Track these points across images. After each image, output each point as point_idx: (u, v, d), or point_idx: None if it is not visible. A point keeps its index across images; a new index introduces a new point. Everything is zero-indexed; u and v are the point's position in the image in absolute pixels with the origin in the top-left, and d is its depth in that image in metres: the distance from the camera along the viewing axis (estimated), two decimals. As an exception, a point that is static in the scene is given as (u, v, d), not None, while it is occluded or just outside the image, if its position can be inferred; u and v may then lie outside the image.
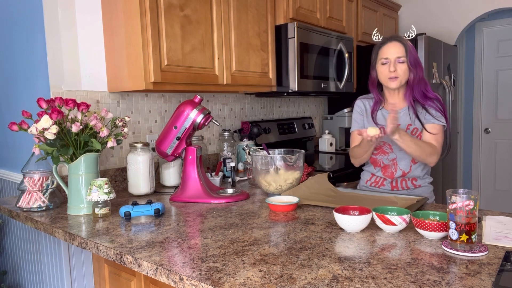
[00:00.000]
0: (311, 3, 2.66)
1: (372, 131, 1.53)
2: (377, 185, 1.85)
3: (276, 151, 1.87)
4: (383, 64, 1.72)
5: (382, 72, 1.73)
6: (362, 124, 1.85)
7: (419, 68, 1.71)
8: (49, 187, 1.61)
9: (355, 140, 1.84)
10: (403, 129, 1.67)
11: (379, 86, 1.83)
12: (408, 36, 1.77)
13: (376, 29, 1.91)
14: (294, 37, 2.41)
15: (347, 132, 3.31)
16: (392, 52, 1.70)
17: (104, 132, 1.55)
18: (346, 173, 2.48)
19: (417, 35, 3.09)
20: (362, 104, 1.88)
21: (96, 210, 1.46)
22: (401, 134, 1.59)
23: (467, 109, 4.44)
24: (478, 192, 1.28)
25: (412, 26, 1.84)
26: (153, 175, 1.83)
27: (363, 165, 1.93)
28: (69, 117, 1.54)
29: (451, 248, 1.04)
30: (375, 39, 1.81)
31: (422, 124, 1.72)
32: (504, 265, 0.94)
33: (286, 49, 2.44)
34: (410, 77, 1.71)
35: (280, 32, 2.45)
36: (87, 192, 1.48)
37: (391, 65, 1.69)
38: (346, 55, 2.81)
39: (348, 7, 3.07)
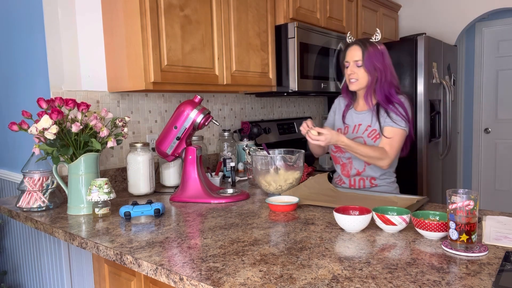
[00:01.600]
0: (311, 3, 2.66)
1: (314, 133, 1.63)
2: (340, 183, 1.92)
3: (276, 151, 1.87)
4: (346, 67, 1.81)
5: (345, 74, 1.83)
6: (332, 121, 1.97)
7: (380, 73, 1.75)
8: (49, 187, 1.61)
9: None
10: (345, 137, 1.67)
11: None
12: (375, 39, 1.82)
13: (350, 32, 1.98)
14: (294, 37, 2.41)
15: (347, 132, 3.30)
16: (351, 55, 1.78)
17: (104, 132, 1.55)
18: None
19: (417, 35, 3.09)
20: (337, 102, 1.99)
21: (96, 210, 1.46)
22: (346, 142, 1.66)
23: (467, 109, 4.44)
24: (478, 192, 1.28)
25: (377, 29, 1.90)
26: (153, 175, 1.83)
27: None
28: (69, 117, 1.54)
29: (451, 248, 1.04)
30: (348, 41, 1.88)
31: (381, 127, 1.77)
32: (504, 265, 0.94)
33: (286, 49, 2.44)
34: (368, 81, 1.77)
35: (280, 32, 2.45)
36: (87, 192, 1.48)
37: (350, 68, 1.78)
38: (346, 55, 2.81)
39: (348, 7, 3.07)
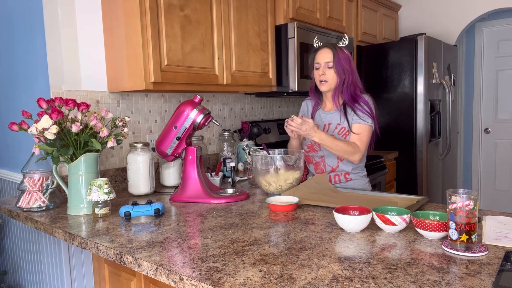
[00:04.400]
0: (311, 3, 2.66)
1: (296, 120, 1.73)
2: None
3: (276, 151, 1.87)
4: (316, 69, 1.89)
5: (315, 76, 1.90)
6: None
7: (348, 75, 1.85)
8: (49, 187, 1.61)
9: None
10: (322, 132, 1.78)
11: (317, 90, 1.97)
12: (342, 44, 1.93)
13: (316, 37, 2.09)
14: (294, 37, 2.41)
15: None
16: (322, 57, 1.86)
17: (104, 132, 1.55)
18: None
19: (417, 35, 3.09)
20: (305, 105, 2.07)
21: (96, 210, 1.46)
22: (322, 136, 1.76)
23: (467, 109, 4.44)
24: (478, 192, 1.28)
25: (345, 34, 2.04)
26: (153, 175, 1.83)
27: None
28: (69, 117, 1.54)
29: (451, 248, 1.04)
30: (315, 45, 1.97)
31: (349, 124, 1.87)
32: (504, 265, 0.94)
33: (286, 49, 2.44)
34: (337, 82, 1.86)
35: (280, 32, 2.45)
36: (87, 192, 1.48)
37: (321, 69, 1.86)
38: (346, 55, 2.81)
39: (348, 7, 3.07)
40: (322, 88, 1.88)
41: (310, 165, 2.00)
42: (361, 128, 1.85)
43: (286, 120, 1.78)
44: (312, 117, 1.99)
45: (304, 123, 1.72)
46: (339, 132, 1.90)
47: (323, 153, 1.92)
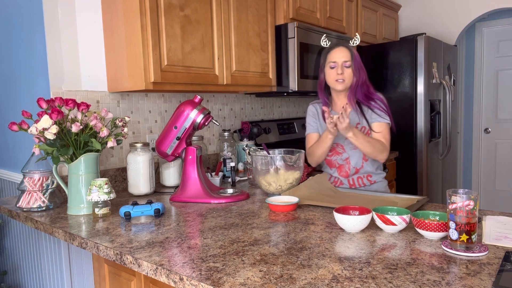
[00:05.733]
0: (311, 3, 2.66)
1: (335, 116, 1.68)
2: (336, 184, 1.94)
3: (276, 151, 1.87)
4: (331, 68, 1.83)
5: (330, 75, 1.84)
6: (316, 126, 1.97)
7: (362, 73, 1.84)
8: (49, 187, 1.61)
9: (310, 141, 1.96)
10: (355, 128, 1.75)
11: (327, 90, 1.93)
12: (353, 43, 1.89)
13: (325, 35, 2.00)
14: (294, 37, 2.41)
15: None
16: (339, 56, 1.82)
17: (104, 132, 1.55)
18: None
19: (417, 35, 3.09)
20: (314, 109, 1.99)
21: (96, 210, 1.46)
22: (355, 131, 1.72)
23: (467, 109, 4.44)
24: (478, 192, 1.28)
25: (357, 34, 1.96)
26: (153, 175, 1.83)
27: (321, 166, 2.03)
28: (69, 117, 1.54)
29: (451, 248, 1.04)
30: (323, 44, 1.92)
31: (368, 123, 1.85)
32: (504, 265, 0.94)
33: (286, 49, 2.44)
34: (353, 81, 1.83)
35: (280, 32, 2.45)
36: (87, 192, 1.48)
37: (339, 68, 1.81)
38: (346, 55, 2.81)
39: (348, 7, 3.07)
40: (339, 87, 1.83)
41: (333, 169, 1.93)
42: (382, 126, 1.84)
43: (331, 117, 1.68)
44: (324, 119, 1.91)
45: (346, 118, 1.65)
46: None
47: (347, 155, 1.88)
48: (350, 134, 1.71)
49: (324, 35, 1.98)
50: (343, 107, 1.67)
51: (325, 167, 1.99)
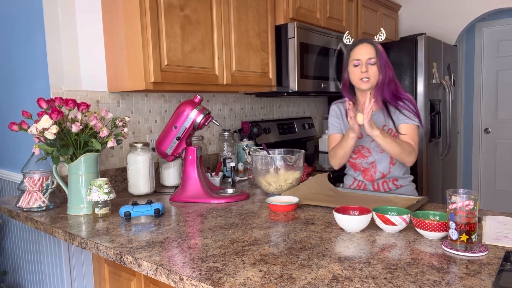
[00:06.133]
0: (311, 3, 2.66)
1: (360, 118, 1.58)
2: (360, 188, 1.85)
3: (276, 151, 1.87)
4: (355, 65, 1.73)
5: (354, 73, 1.73)
6: (340, 127, 1.87)
7: (388, 70, 1.73)
8: (49, 187, 1.61)
9: (333, 142, 1.86)
10: (380, 128, 1.66)
11: (351, 89, 1.83)
12: (378, 39, 1.77)
13: (348, 31, 1.91)
14: (294, 37, 2.40)
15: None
16: (363, 53, 1.71)
17: (104, 132, 1.55)
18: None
19: (417, 35, 3.09)
20: (337, 109, 1.89)
21: (96, 210, 1.46)
22: (381, 130, 1.62)
23: (467, 109, 4.44)
24: (478, 192, 1.28)
25: (382, 29, 1.83)
26: (153, 175, 1.83)
27: (344, 168, 1.94)
28: (69, 117, 1.54)
29: (451, 248, 1.04)
30: (346, 41, 1.81)
31: (395, 125, 1.74)
32: (504, 265, 0.94)
33: (286, 49, 2.44)
34: (379, 79, 1.72)
35: (280, 32, 2.45)
36: (87, 192, 1.48)
37: (363, 66, 1.70)
38: (346, 55, 2.81)
39: (348, 7, 3.07)
40: (364, 86, 1.71)
41: (357, 172, 1.84)
42: (410, 128, 1.72)
43: (353, 111, 1.60)
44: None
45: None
46: None
47: (373, 159, 1.78)
48: (377, 132, 1.59)
49: (347, 31, 1.88)
50: (369, 95, 1.58)
51: (348, 169, 1.91)
